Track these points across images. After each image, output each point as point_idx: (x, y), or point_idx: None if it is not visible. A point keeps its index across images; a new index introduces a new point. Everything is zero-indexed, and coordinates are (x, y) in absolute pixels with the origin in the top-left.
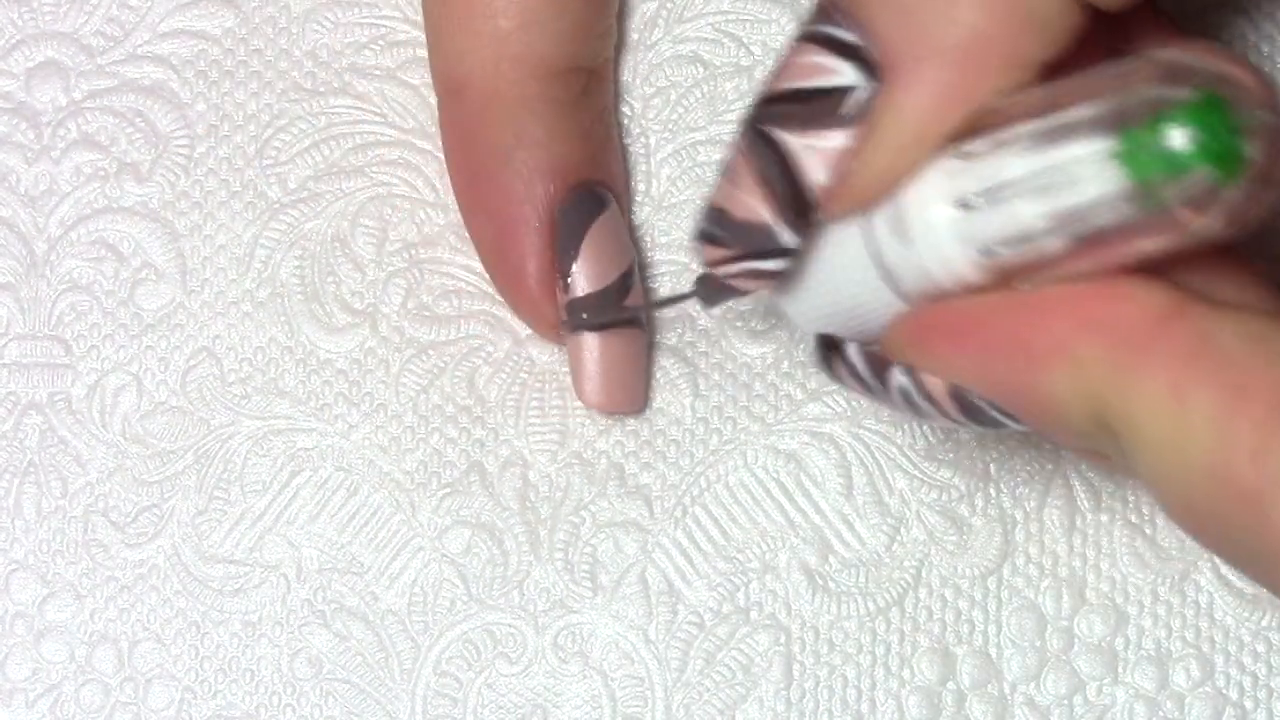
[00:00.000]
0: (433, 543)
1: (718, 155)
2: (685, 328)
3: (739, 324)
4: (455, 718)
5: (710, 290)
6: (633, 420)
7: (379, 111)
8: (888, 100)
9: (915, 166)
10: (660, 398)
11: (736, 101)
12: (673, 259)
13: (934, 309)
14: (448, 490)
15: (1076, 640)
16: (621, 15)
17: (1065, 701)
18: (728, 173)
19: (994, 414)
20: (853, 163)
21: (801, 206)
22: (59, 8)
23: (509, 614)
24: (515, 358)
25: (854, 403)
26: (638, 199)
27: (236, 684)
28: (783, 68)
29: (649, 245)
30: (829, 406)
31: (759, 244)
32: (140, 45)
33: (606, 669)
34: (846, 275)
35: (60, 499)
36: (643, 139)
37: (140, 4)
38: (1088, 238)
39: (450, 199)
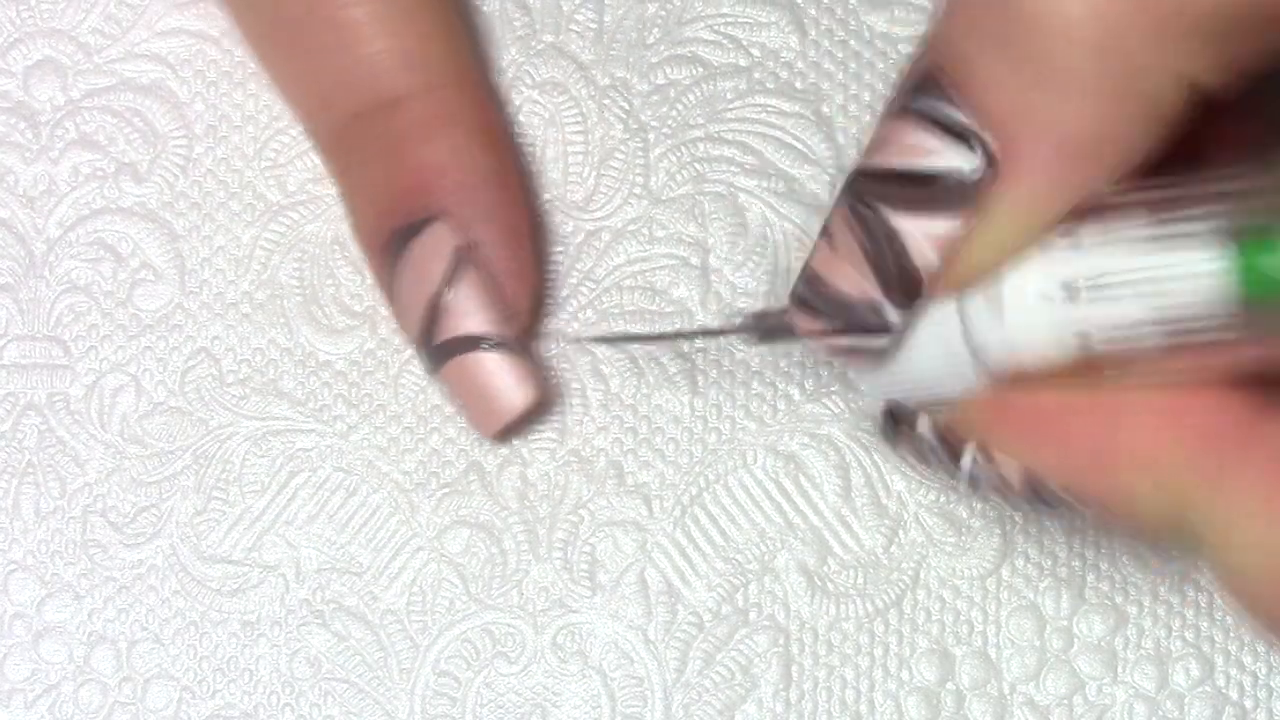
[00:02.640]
0: (431, 542)
1: (716, 151)
2: (683, 325)
3: (737, 322)
4: (454, 717)
5: (769, 330)
6: (631, 418)
7: None
8: (1002, 189)
9: (1022, 252)
10: (659, 395)
11: (735, 100)
12: (670, 252)
13: (1019, 396)
14: (446, 490)
15: (1076, 640)
16: (620, 16)
17: (1065, 701)
18: (829, 241)
19: (1066, 501)
20: (962, 246)
21: (910, 287)
22: (56, 5)
23: (508, 613)
24: None
25: (852, 404)
26: (636, 193)
27: (235, 684)
28: (888, 142)
29: (647, 239)
30: (827, 408)
31: (863, 320)
32: (138, 44)
33: (605, 668)
34: (933, 349)
35: (59, 499)
36: (641, 135)
37: (138, 2)
38: (1189, 343)
39: None
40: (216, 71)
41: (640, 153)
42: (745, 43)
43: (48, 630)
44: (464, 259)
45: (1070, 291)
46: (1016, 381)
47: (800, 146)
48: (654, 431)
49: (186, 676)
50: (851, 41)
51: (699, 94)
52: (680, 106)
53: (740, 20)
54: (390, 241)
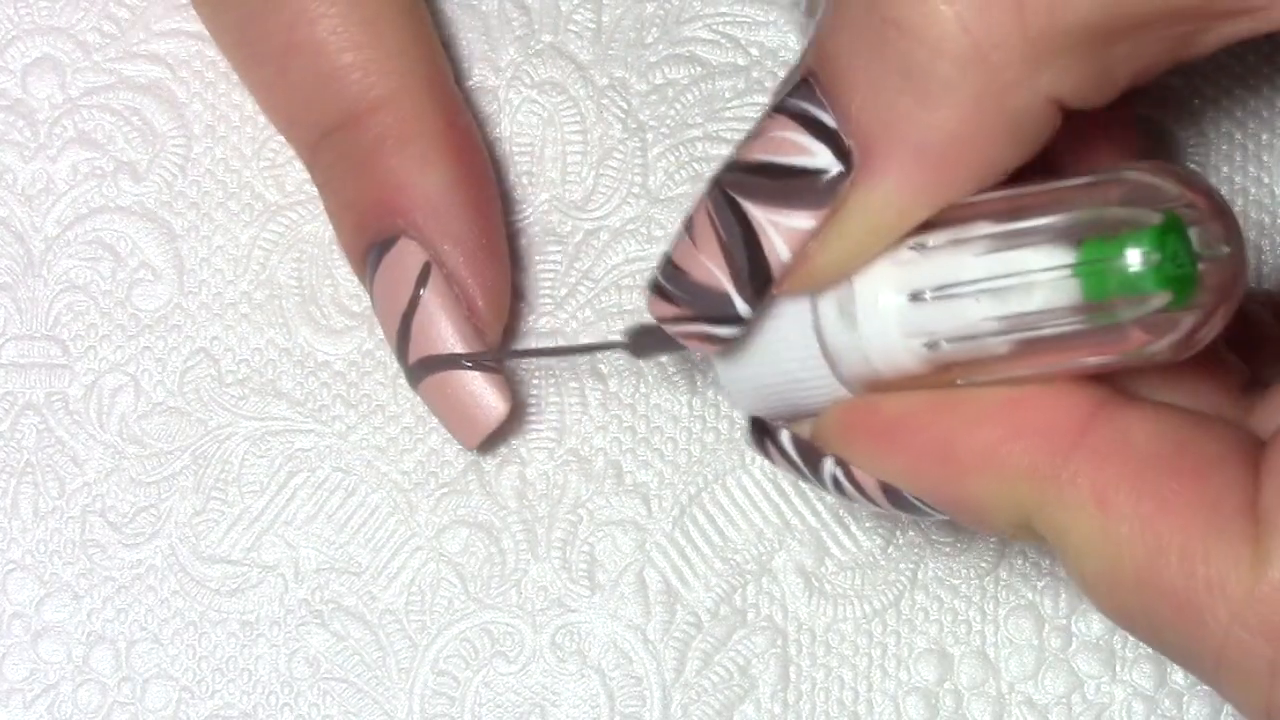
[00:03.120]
0: (430, 542)
1: (714, 151)
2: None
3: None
4: (453, 717)
5: (645, 342)
6: (630, 417)
7: None
8: (857, 191)
9: (874, 256)
10: (657, 394)
11: (734, 100)
12: None
13: (865, 407)
14: (445, 490)
15: (1074, 639)
16: (619, 16)
17: (1064, 700)
18: (690, 231)
19: (924, 508)
20: (814, 245)
21: (760, 280)
22: (55, 3)
23: (507, 613)
24: None
25: None
26: (634, 192)
27: (234, 684)
28: (758, 136)
29: (644, 239)
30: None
31: (713, 309)
32: (137, 43)
33: (604, 668)
34: (789, 352)
35: (57, 499)
36: (639, 135)
37: (137, 2)
38: (1034, 344)
39: None
40: (215, 72)
41: (639, 152)
42: (744, 41)
43: (46, 630)
44: (428, 277)
45: (917, 297)
46: (875, 390)
47: None
48: (652, 431)
49: (185, 676)
50: None
51: (697, 93)
52: (679, 106)
53: (739, 19)
54: (366, 256)
